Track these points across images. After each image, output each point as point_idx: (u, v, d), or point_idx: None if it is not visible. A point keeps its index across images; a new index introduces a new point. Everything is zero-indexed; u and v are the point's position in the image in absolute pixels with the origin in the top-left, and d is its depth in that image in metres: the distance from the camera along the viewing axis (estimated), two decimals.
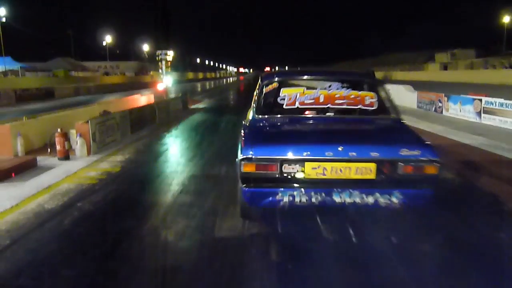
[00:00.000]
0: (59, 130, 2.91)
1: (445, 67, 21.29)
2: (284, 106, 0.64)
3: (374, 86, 0.70)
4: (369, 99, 0.62)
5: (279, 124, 0.58)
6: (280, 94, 0.64)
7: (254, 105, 0.70)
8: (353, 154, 0.49)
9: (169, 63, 7.30)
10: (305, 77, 0.77)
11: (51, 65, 17.95)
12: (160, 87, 7.57)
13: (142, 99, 6.86)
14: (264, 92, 0.68)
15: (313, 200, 0.52)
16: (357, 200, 0.51)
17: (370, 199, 0.51)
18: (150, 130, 4.36)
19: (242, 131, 0.64)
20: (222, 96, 10.99)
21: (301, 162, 0.48)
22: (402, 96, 6.34)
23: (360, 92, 0.64)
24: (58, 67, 17.58)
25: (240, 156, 0.52)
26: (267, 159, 0.48)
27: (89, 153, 3.04)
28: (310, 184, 0.51)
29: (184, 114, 5.92)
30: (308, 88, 0.67)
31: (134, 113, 4.15)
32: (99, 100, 7.93)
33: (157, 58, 7.27)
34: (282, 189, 0.52)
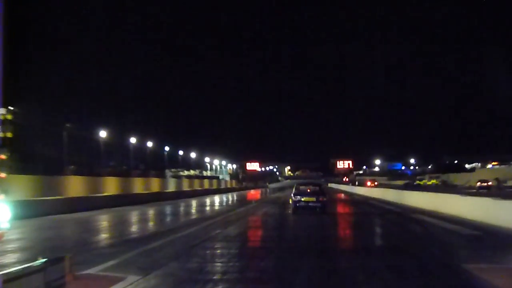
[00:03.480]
0: None
1: None
2: (300, 188, 21.86)
3: (320, 185, 24.39)
4: (317, 187, 22.53)
5: (298, 192, 21.15)
6: (300, 186, 22.36)
7: (294, 189, 21.90)
8: (312, 196, 20.85)
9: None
10: (305, 183, 27.99)
11: None
12: None
13: None
14: (295, 186, 22.36)
15: (305, 204, 20.71)
16: (313, 204, 20.55)
17: (314, 204, 20.56)
18: None
19: (292, 193, 21.60)
20: (187, 265, 9.46)
21: (302, 197, 20.67)
22: None
23: (316, 187, 22.79)
24: None
25: (291, 197, 21.06)
26: (296, 197, 20.74)
27: None
28: (305, 201, 20.68)
29: None
30: (306, 185, 23.28)
31: None
32: None
33: None
34: (298, 202, 20.60)
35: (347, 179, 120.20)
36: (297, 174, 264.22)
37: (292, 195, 22.15)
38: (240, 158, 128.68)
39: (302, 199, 21.45)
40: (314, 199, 21.41)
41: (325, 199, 21.65)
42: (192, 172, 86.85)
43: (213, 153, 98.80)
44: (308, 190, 22.45)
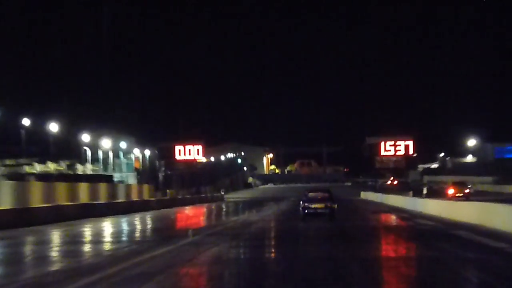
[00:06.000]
0: None
1: None
2: (308, 195, 55.05)
3: (329, 191, 57.79)
4: (326, 194, 55.49)
5: (307, 199, 53.10)
6: (308, 194, 56.04)
7: (303, 196, 56.04)
8: (321, 203, 51.93)
9: None
10: (313, 190, 65.76)
11: None
12: None
13: None
14: (305, 193, 56.80)
15: (314, 211, 51.96)
16: (322, 211, 51.43)
17: (324, 211, 51.42)
18: None
19: (301, 200, 54.64)
20: None
21: (311, 204, 51.97)
22: None
23: (325, 193, 56.33)
24: None
25: (301, 203, 52.84)
26: (304, 203, 51.84)
27: None
28: (314, 208, 51.94)
29: None
30: (315, 192, 59.41)
31: None
32: None
33: None
34: (307, 209, 51.45)
35: (395, 182, 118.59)
36: (289, 170, 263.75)
37: (300, 201, 51.50)
38: (161, 136, 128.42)
39: (311, 206, 49.57)
40: (323, 205, 49.73)
41: (334, 206, 49.51)
42: (51, 166, 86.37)
43: (101, 127, 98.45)
44: (318, 197, 52.03)
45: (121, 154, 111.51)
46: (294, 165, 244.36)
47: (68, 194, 65.36)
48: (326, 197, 51.58)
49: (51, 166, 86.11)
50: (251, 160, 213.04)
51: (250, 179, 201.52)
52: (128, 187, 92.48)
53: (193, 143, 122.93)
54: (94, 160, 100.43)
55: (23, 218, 46.93)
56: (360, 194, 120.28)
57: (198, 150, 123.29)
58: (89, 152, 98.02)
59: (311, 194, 53.95)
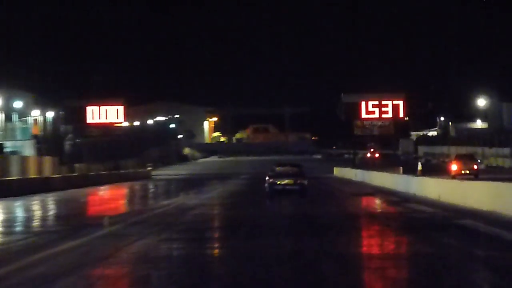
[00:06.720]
0: None
1: None
2: (276, 170, 77.21)
3: (299, 166, 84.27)
4: (296, 168, 79.68)
5: (274, 174, 74.02)
6: (276, 168, 78.67)
7: (270, 172, 76.73)
8: (291, 178, 72.66)
9: None
10: (281, 164, 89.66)
11: None
12: None
13: None
14: (272, 168, 79.71)
15: (282, 187, 72.51)
16: (291, 188, 71.34)
17: (293, 187, 71.54)
18: None
19: (267, 176, 75.16)
20: None
21: (278, 180, 71.87)
22: None
23: (295, 168, 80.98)
24: None
25: (267, 179, 71.99)
26: (271, 179, 71.91)
27: None
28: (280, 184, 72.83)
29: None
30: (283, 166, 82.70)
31: None
32: None
33: None
34: (274, 185, 71.75)
35: (376, 155, 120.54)
36: (239, 139, 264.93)
37: (266, 177, 64.79)
38: (68, 93, 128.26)
39: (278, 182, 63.40)
40: (292, 181, 64.05)
41: (305, 182, 63.75)
42: None
43: None
44: (286, 172, 66.49)
45: (15, 117, 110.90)
46: (245, 131, 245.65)
47: None
48: (296, 172, 66.59)
49: None
50: (189, 124, 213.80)
51: (187, 150, 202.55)
52: (24, 160, 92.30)
53: (111, 102, 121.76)
54: None
55: None
56: (333, 170, 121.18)
57: (117, 111, 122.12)
58: None
59: (278, 169, 69.52)
